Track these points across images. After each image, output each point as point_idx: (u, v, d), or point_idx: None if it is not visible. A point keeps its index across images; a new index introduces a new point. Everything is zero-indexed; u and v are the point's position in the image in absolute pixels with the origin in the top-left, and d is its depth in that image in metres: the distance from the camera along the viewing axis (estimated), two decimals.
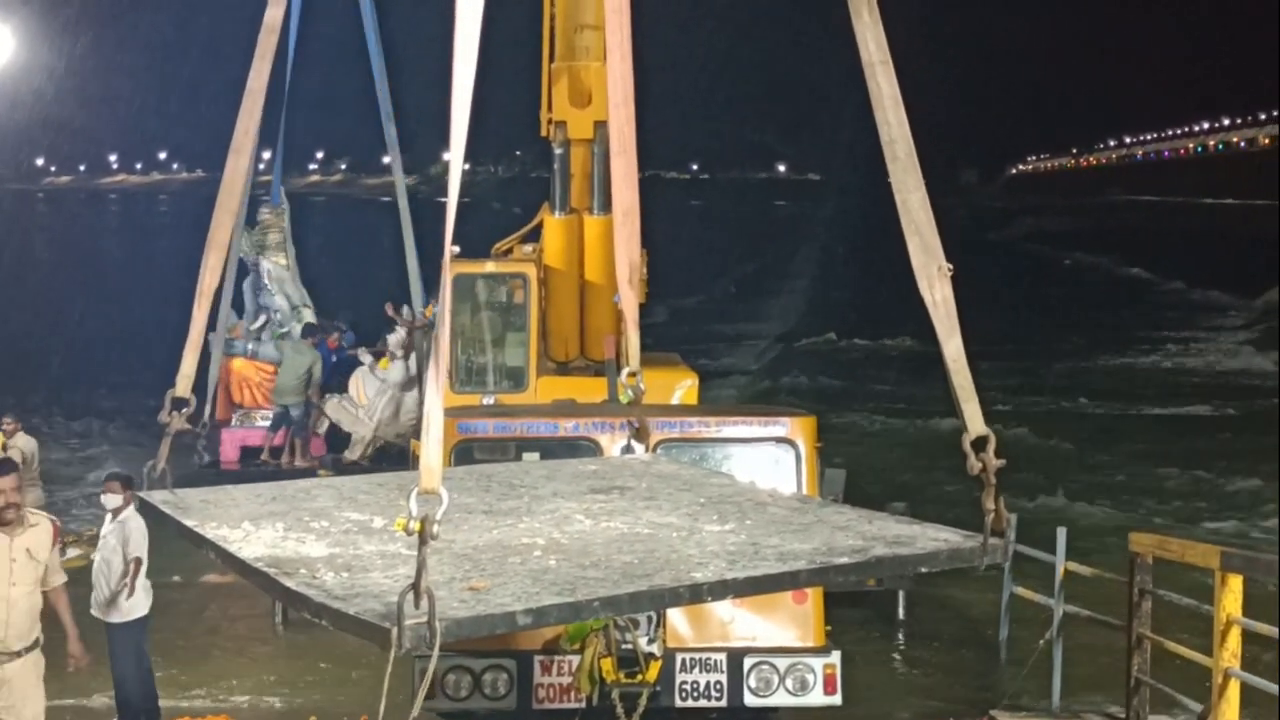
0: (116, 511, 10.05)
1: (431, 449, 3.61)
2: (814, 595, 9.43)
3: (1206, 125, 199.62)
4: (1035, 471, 22.90)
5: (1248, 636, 8.34)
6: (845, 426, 26.37)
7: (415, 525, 3.53)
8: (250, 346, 20.44)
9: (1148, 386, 34.77)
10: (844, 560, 4.62)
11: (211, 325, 7.51)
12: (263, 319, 20.90)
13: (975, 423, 4.84)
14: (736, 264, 65.95)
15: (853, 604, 13.50)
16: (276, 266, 20.73)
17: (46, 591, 8.18)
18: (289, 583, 4.19)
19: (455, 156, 3.90)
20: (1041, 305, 50.69)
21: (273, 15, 6.22)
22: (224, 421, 20.43)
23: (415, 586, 3.44)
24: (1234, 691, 8.19)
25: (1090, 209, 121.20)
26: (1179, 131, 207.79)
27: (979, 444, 4.79)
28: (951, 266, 5.03)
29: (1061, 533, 11.24)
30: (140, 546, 9.82)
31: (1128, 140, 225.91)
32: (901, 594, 13.83)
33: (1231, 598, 8.08)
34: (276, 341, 20.41)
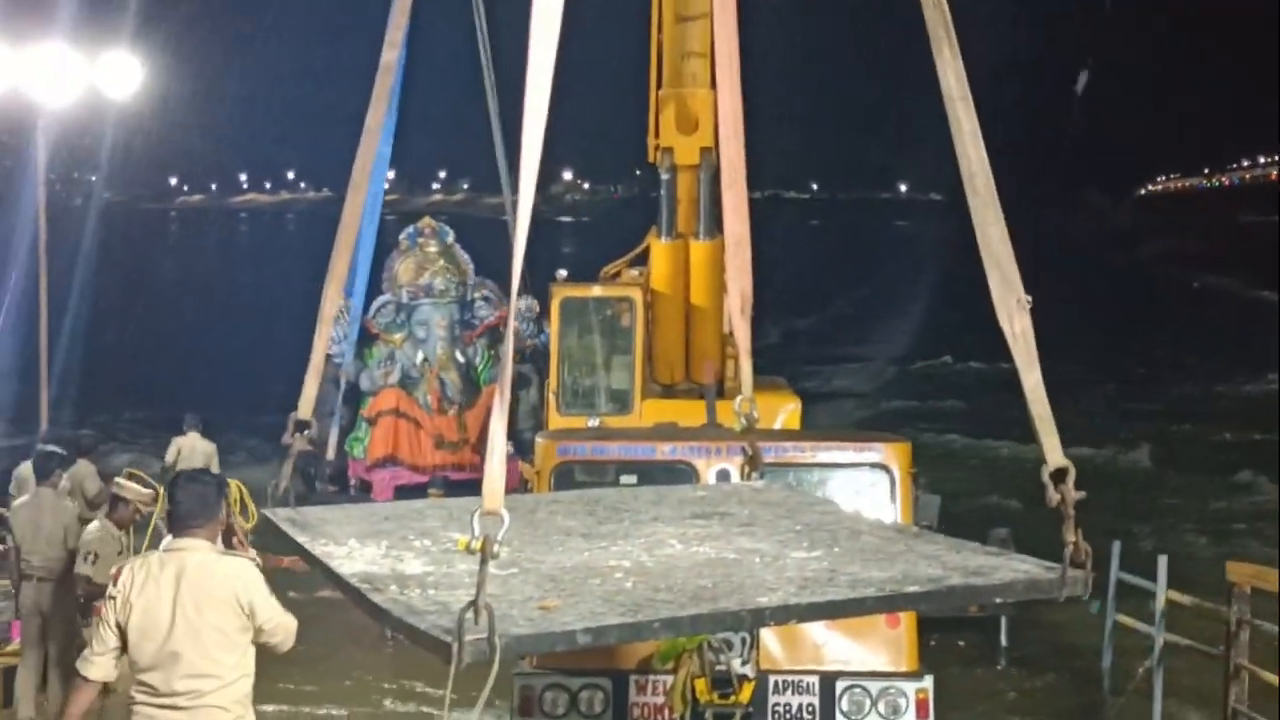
0: None
1: (495, 471, 3.79)
2: (907, 620, 9.48)
3: None
4: (1148, 497, 22.66)
5: None
6: (956, 450, 26.20)
7: (477, 545, 3.72)
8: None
9: (1269, 413, 34.03)
10: (914, 589, 4.69)
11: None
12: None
13: (1054, 455, 4.89)
14: (853, 285, 65.65)
15: (956, 630, 13.52)
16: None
17: None
18: (376, 598, 4.41)
19: (525, 192, 4.05)
20: (1168, 328, 49.76)
21: (389, 58, 6.49)
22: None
23: (475, 603, 3.62)
24: None
25: (1221, 230, 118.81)
26: None
27: (1058, 476, 4.85)
28: (1030, 299, 5.13)
29: (1163, 561, 11.19)
30: None
31: (1262, 160, 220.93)
32: (1004, 620, 13.80)
33: None
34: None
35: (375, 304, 20.98)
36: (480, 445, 20.50)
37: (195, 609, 5.71)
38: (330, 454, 20.25)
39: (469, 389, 20.81)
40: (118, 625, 5.72)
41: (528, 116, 3.98)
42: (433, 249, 21.20)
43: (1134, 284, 67.76)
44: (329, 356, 20.40)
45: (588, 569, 4.88)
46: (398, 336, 20.95)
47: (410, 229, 21.36)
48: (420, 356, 20.82)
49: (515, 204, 3.93)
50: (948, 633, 13.41)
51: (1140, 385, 35.92)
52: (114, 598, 5.73)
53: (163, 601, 5.71)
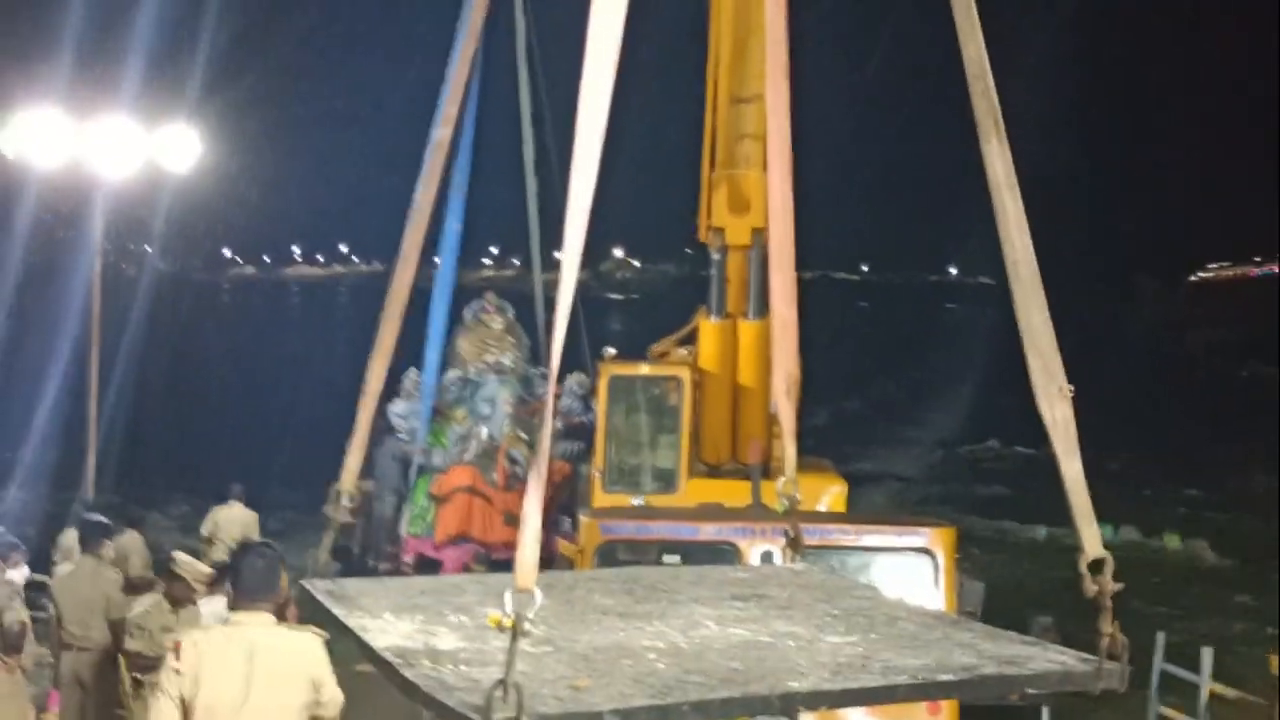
0: None
1: (527, 548, 3.79)
2: (949, 707, 9.40)
3: None
4: (1195, 587, 22.36)
5: None
6: (1002, 536, 25.93)
7: (508, 621, 3.70)
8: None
9: None
10: (946, 678, 4.65)
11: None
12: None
13: (1093, 545, 4.86)
14: (902, 367, 65.42)
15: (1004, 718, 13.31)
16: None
17: None
18: (407, 672, 4.41)
19: (569, 270, 4.05)
20: (1214, 417, 49.25)
21: (442, 135, 6.57)
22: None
23: (504, 681, 3.61)
24: None
25: (1272, 319, 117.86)
26: None
27: (1096, 566, 4.82)
28: (1072, 388, 5.10)
29: (1206, 652, 11.04)
30: None
31: None
32: (1045, 710, 13.57)
33: None
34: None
35: (444, 380, 20.88)
36: (546, 522, 20.16)
37: (268, 687, 5.67)
38: (403, 531, 20.15)
39: None
40: (181, 700, 5.62)
41: (572, 193, 3.99)
42: (498, 325, 21.11)
43: (1182, 372, 67.15)
44: (396, 433, 20.48)
45: (621, 649, 4.86)
46: (459, 412, 20.84)
47: (473, 304, 21.37)
48: (485, 433, 20.72)
49: (547, 283, 3.94)
50: None
51: (1187, 475, 35.52)
52: (179, 672, 5.62)
53: (233, 678, 5.65)
